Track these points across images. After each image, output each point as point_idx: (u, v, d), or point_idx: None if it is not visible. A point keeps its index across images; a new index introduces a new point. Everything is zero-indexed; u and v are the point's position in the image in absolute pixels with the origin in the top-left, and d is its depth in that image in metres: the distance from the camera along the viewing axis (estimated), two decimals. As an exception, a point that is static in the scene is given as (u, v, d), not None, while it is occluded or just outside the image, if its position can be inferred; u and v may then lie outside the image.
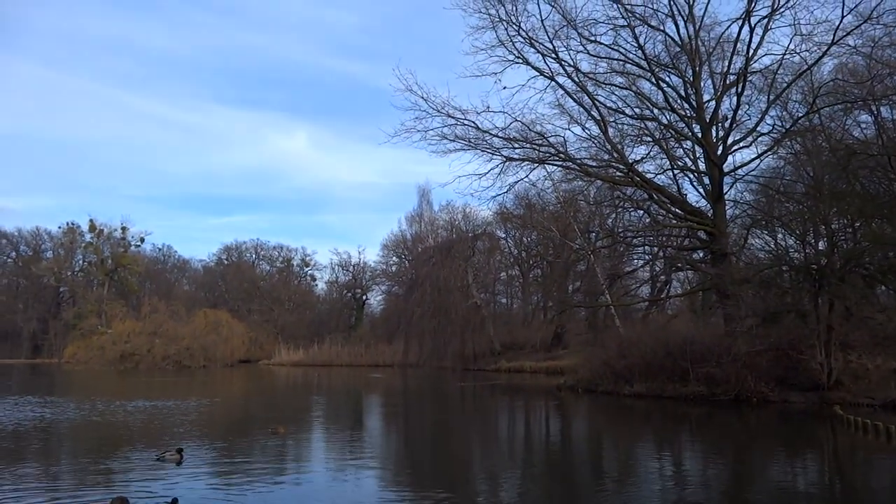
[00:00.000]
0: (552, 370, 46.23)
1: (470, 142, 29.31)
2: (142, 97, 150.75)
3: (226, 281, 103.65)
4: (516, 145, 29.56)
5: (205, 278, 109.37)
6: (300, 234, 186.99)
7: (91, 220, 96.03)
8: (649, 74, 29.46)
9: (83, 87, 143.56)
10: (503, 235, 70.69)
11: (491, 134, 29.21)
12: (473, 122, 29.02)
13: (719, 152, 29.22)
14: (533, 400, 30.38)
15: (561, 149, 29.68)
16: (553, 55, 28.72)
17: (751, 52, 27.75)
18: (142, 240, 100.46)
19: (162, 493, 9.86)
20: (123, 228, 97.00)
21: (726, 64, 29.22)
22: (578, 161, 30.40)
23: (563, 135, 30.35)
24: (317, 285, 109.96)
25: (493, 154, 29.39)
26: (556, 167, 32.11)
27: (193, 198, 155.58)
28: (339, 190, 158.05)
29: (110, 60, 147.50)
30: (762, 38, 27.64)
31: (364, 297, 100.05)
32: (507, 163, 29.42)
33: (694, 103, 29.60)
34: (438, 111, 28.84)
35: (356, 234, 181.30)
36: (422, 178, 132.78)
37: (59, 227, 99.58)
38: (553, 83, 29.39)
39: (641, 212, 34.71)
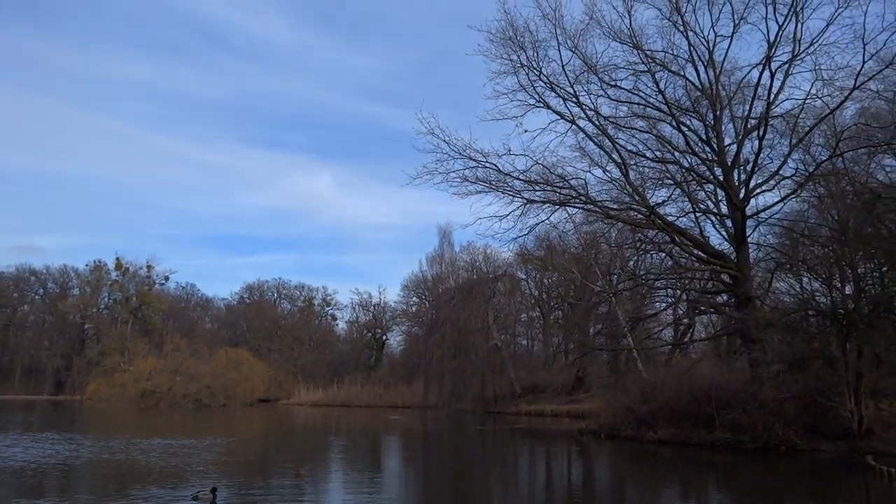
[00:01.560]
0: (574, 414, 45.54)
1: (491, 184, 29.53)
2: (170, 138, 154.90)
3: (247, 320, 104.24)
4: (537, 188, 29.71)
5: (227, 317, 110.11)
6: (322, 274, 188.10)
7: (117, 259, 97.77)
8: (670, 118, 29.62)
9: (114, 129, 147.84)
10: (524, 277, 70.57)
11: (512, 176, 29.43)
12: (494, 165, 29.30)
13: (742, 195, 29.09)
14: (554, 444, 29.88)
15: (582, 191, 29.77)
16: (574, 99, 29.05)
17: (772, 96, 27.82)
18: (166, 278, 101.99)
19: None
20: (149, 267, 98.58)
21: (747, 108, 29.29)
22: (599, 203, 30.44)
23: (584, 177, 30.47)
24: (337, 325, 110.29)
25: (514, 196, 29.55)
26: (577, 209, 32.16)
27: (218, 237, 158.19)
28: (362, 230, 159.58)
29: (140, 103, 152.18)
30: (783, 83, 27.74)
31: (384, 338, 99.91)
32: (527, 205, 29.55)
33: (715, 147, 29.62)
34: (460, 154, 29.17)
35: (377, 274, 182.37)
36: (443, 219, 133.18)
37: (87, 265, 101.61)
38: (574, 126, 29.66)
39: (663, 254, 34.52)
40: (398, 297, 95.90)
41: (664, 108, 29.35)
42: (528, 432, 36.71)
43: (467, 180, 29.38)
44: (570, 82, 28.69)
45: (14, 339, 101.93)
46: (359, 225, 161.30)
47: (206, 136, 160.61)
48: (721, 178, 29.49)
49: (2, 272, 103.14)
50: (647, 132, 30.60)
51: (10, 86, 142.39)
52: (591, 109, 29.25)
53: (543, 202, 29.79)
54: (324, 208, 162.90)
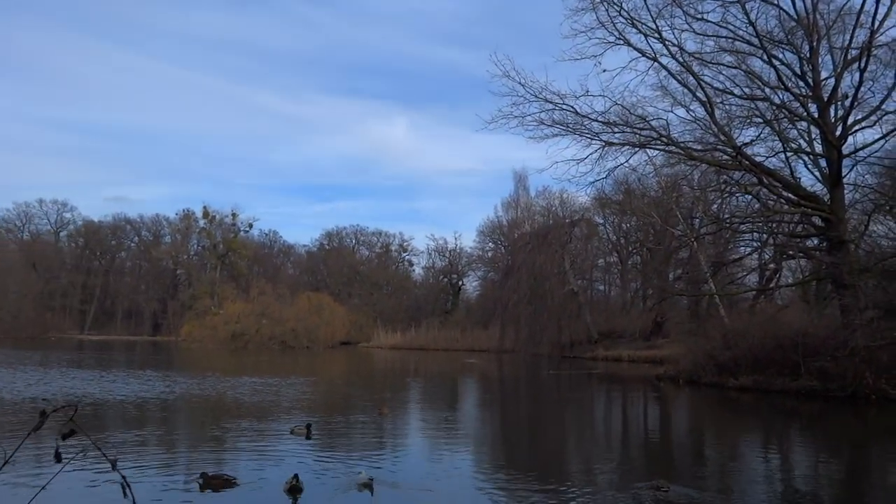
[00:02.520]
0: (651, 360, 45.04)
1: (568, 127, 28.79)
2: (252, 90, 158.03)
3: (327, 265, 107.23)
4: (616, 129, 28.78)
5: (308, 262, 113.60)
6: (398, 220, 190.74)
7: (205, 207, 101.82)
8: (761, 52, 27.83)
9: (200, 82, 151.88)
10: (601, 221, 69.27)
11: (590, 118, 28.56)
12: (572, 107, 28.47)
13: (838, 133, 27.29)
14: (631, 390, 29.77)
15: (663, 132, 28.64)
16: (656, 35, 27.68)
17: (876, 23, 25.62)
18: (250, 225, 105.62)
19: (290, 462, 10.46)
20: (234, 215, 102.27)
21: (848, 38, 27.14)
22: (682, 144, 29.25)
23: (665, 118, 29.23)
24: (414, 270, 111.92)
25: (591, 139, 28.75)
26: (657, 151, 31.03)
27: (297, 185, 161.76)
28: (437, 176, 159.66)
29: (223, 57, 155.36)
30: (890, 7, 25.48)
31: (460, 283, 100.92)
32: (606, 147, 28.72)
33: (810, 81, 27.74)
34: (536, 96, 28.47)
35: (453, 219, 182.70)
36: (518, 163, 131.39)
37: (176, 214, 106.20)
38: (656, 64, 28.32)
39: (750, 197, 32.98)
40: (474, 242, 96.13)
41: (755, 40, 27.57)
42: (605, 377, 36.67)
43: (543, 123, 28.74)
44: (652, 17, 27.30)
45: (114, 284, 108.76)
46: (434, 170, 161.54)
47: (287, 86, 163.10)
48: (816, 114, 27.70)
49: (100, 222, 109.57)
50: (736, 68, 28.90)
51: (105, 44, 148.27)
52: (674, 45, 27.82)
53: (622, 144, 28.89)
54: (399, 154, 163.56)
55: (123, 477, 2.21)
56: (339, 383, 28.67)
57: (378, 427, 15.54)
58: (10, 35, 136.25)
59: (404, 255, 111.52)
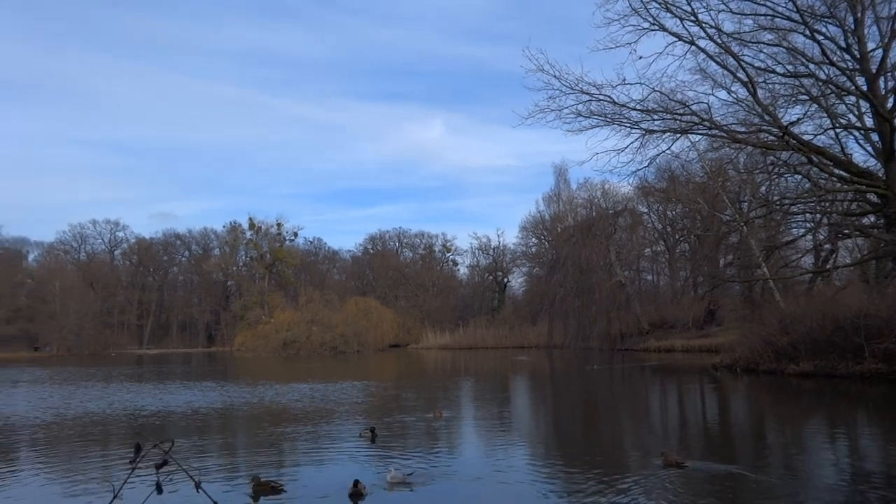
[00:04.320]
0: (706, 349, 44.22)
1: (606, 117, 28.43)
2: (289, 100, 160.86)
3: (373, 269, 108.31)
4: (656, 117, 28.30)
5: (353, 268, 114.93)
6: (440, 220, 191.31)
7: (250, 219, 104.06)
8: (803, 27, 27.01)
9: (239, 96, 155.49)
10: (646, 210, 68.24)
11: (628, 107, 28.14)
12: (609, 97, 28.11)
13: (889, 105, 26.31)
14: (687, 380, 29.26)
15: (705, 116, 28.05)
16: (692, 18, 27.12)
17: (925, -11, 24.66)
18: (295, 234, 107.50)
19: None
20: (279, 224, 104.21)
21: (894, 6, 26.18)
22: (725, 127, 28.60)
23: (706, 101, 28.64)
24: (459, 270, 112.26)
25: (631, 128, 28.32)
26: (700, 136, 30.39)
27: (339, 191, 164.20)
28: (476, 174, 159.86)
29: (258, 70, 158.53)
30: (939, -29, 24.47)
31: (505, 280, 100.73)
32: (646, 136, 28.26)
33: (857, 53, 26.81)
34: (572, 88, 28.19)
35: (494, 217, 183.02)
36: (557, 157, 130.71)
37: (224, 227, 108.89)
38: (693, 47, 27.74)
39: (800, 177, 32.05)
40: (517, 238, 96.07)
41: (795, 16, 26.79)
42: (659, 368, 36.13)
43: (581, 115, 28.44)
44: (686, 0, 26.79)
45: (168, 298, 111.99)
46: (473, 169, 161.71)
47: (321, 93, 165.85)
48: (864, 88, 26.77)
49: (152, 238, 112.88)
50: (777, 45, 28.11)
51: (147, 65, 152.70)
52: (711, 27, 27.22)
53: (663, 131, 28.39)
54: (438, 155, 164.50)
55: (210, 496, 2.33)
56: (391, 386, 28.92)
57: (434, 428, 15.64)
58: (58, 63, 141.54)
59: (448, 255, 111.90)
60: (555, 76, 28.13)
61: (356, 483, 9.08)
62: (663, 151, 29.62)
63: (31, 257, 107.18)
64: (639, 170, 33.42)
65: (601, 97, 28.15)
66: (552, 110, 28.56)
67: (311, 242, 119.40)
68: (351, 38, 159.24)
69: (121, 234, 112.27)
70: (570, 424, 17.72)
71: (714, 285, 47.77)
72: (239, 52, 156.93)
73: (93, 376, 38.66)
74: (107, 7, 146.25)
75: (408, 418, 17.38)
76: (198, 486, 2.29)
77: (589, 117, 28.41)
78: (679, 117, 28.22)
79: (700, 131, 28.99)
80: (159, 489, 2.23)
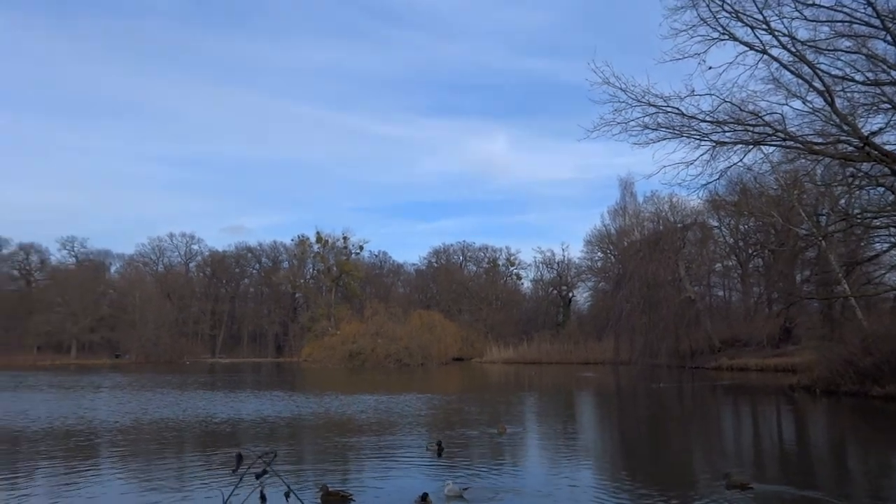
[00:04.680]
0: (781, 368, 42.44)
1: (674, 129, 27.81)
2: (354, 116, 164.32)
3: (437, 283, 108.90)
4: (727, 128, 27.51)
5: (417, 281, 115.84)
6: (504, 234, 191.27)
7: (318, 232, 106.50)
8: (883, 33, 25.80)
9: (306, 112, 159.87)
10: (716, 224, 66.22)
11: (697, 119, 27.46)
12: (677, 108, 27.48)
13: (982, 113, 24.85)
14: (762, 401, 28.18)
15: (779, 127, 27.11)
16: (764, 26, 26.32)
17: None
18: (361, 248, 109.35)
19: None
20: (345, 238, 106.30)
21: None
22: (801, 138, 27.55)
23: (780, 111, 27.60)
24: (522, 284, 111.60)
25: (700, 140, 27.58)
26: (774, 147, 29.31)
27: (403, 205, 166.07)
28: (540, 188, 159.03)
29: (324, 86, 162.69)
30: None
31: (570, 294, 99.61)
32: (717, 147, 27.48)
33: (945, 59, 25.45)
34: (638, 101, 27.69)
35: (558, 231, 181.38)
36: (623, 170, 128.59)
37: (292, 240, 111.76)
38: (765, 57, 26.85)
39: (883, 189, 30.54)
40: (581, 252, 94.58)
41: (875, 21, 25.63)
42: (732, 388, 34.90)
43: (648, 128, 27.88)
44: (758, 8, 25.97)
45: (240, 310, 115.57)
46: (537, 183, 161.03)
47: (386, 108, 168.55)
48: (954, 95, 25.38)
49: (224, 251, 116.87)
50: (855, 52, 26.93)
51: (222, 84, 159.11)
52: (784, 35, 26.34)
53: (734, 143, 27.56)
54: (501, 169, 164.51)
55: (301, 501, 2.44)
56: (455, 399, 28.96)
57: (498, 442, 15.60)
58: (141, 84, 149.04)
59: (512, 268, 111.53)
60: (621, 89, 27.72)
61: (425, 496, 9.13)
62: (735, 164, 28.72)
63: (112, 269, 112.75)
64: (709, 182, 32.46)
65: (669, 109, 27.59)
66: (618, 123, 28.14)
67: (377, 256, 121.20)
68: (415, 53, 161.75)
69: (195, 246, 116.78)
70: (637, 442, 17.34)
71: (790, 302, 45.87)
72: (308, 71, 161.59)
73: (168, 383, 40.24)
74: (187, 29, 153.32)
75: (471, 432, 17.37)
76: (288, 494, 2.42)
77: (656, 129, 27.85)
78: (751, 128, 27.37)
79: (774, 142, 28.03)
80: (263, 500, 2.36)
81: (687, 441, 17.46)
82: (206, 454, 14.34)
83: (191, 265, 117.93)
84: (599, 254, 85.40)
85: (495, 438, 16.13)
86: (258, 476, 2.20)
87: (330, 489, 9.71)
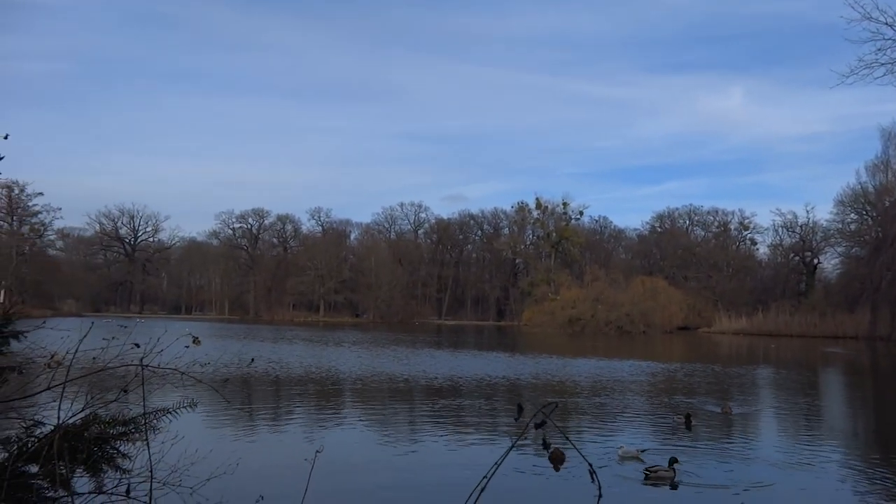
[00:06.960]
0: None
1: (955, 68, 23.53)
2: (571, 80, 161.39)
3: (660, 248, 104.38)
4: None
5: (639, 246, 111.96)
6: (737, 197, 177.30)
7: (537, 199, 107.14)
8: None
9: (519, 80, 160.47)
10: None
11: None
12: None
13: None
14: None
15: None
16: None
17: None
18: (580, 213, 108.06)
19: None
20: (564, 204, 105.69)
21: None
22: None
23: None
24: (758, 249, 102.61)
25: None
26: None
27: (624, 169, 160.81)
28: (780, 144, 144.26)
29: (540, 52, 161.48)
30: None
31: (815, 261, 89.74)
32: None
33: None
34: (907, 37, 23.85)
35: (802, 191, 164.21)
36: (885, 118, 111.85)
37: (512, 207, 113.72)
38: None
39: None
40: (830, 214, 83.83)
41: None
42: None
43: (920, 68, 23.95)
44: None
45: (463, 274, 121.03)
46: (776, 139, 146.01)
47: (605, 72, 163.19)
48: None
49: (449, 219, 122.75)
50: None
51: (445, 59, 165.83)
52: None
53: None
54: (735, 126, 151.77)
55: (591, 464, 2.59)
56: (679, 370, 27.74)
57: (726, 421, 14.75)
58: (376, 65, 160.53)
59: (746, 233, 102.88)
60: (886, 24, 23.97)
61: (673, 459, 9.32)
62: None
63: (352, 236, 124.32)
64: None
65: (947, 44, 23.36)
66: (882, 64, 24.33)
67: (597, 221, 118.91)
68: (636, 9, 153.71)
69: (423, 214, 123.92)
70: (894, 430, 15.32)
71: None
72: (525, 39, 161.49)
73: (401, 342, 43.72)
74: (410, 7, 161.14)
75: (696, 409, 16.55)
76: (546, 445, 2.63)
77: (930, 69, 23.79)
78: None
79: None
80: (546, 445, 2.60)
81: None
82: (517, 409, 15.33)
83: (419, 232, 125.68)
84: (853, 215, 75.47)
85: (722, 418, 15.23)
86: (537, 426, 2.36)
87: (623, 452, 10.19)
